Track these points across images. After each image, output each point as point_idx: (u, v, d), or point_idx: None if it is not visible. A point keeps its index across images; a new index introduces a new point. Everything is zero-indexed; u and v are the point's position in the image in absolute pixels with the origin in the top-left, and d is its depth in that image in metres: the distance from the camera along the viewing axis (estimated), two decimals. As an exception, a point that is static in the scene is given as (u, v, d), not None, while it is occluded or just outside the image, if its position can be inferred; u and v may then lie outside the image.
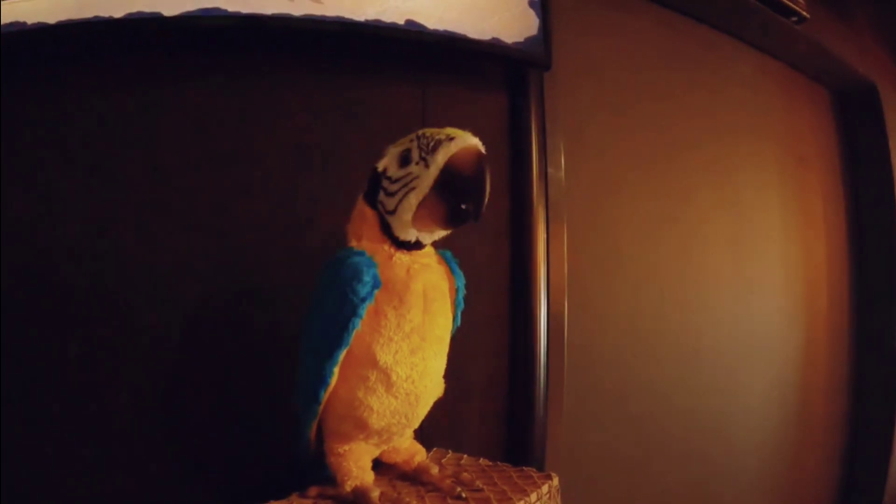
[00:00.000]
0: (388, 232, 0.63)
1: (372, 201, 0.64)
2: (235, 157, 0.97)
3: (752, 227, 1.71)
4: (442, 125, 1.06)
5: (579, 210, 1.24)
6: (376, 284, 0.61)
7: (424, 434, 0.78)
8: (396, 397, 0.64)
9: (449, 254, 0.72)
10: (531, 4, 1.05)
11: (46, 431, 0.88)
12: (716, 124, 1.66)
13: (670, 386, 1.46)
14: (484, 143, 0.65)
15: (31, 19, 0.87)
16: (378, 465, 0.73)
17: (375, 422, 0.64)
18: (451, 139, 0.60)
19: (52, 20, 0.87)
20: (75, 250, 0.91)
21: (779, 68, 1.88)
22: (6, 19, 0.89)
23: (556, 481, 0.76)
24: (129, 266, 0.91)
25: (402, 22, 0.97)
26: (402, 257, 0.64)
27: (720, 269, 1.61)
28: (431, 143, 0.60)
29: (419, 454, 0.76)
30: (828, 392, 1.89)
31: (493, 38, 1.02)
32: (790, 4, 1.65)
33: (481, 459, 0.82)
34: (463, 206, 0.60)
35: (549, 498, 0.73)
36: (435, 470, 0.73)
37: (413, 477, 0.74)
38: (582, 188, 1.27)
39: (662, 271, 1.47)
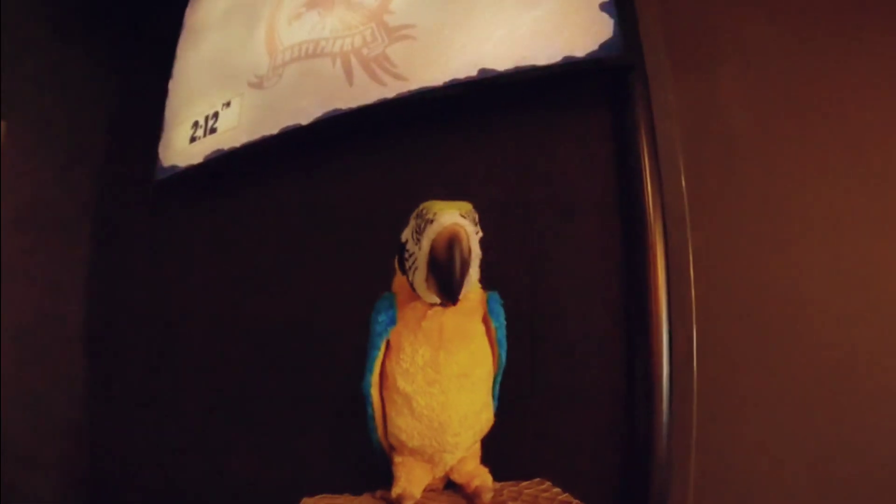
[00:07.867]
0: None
1: (402, 267, 0.69)
2: (356, 224, 1.21)
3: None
4: (546, 164, 1.06)
5: (707, 225, 0.97)
6: (391, 322, 0.69)
7: (525, 465, 0.80)
8: (420, 422, 0.70)
9: (495, 295, 0.74)
10: (602, 7, 0.98)
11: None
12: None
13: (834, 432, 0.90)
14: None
15: (226, 145, 1.31)
16: (450, 485, 0.78)
17: (408, 440, 0.71)
18: (431, 221, 0.62)
19: (238, 143, 1.29)
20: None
21: None
22: (213, 148, 1.33)
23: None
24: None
25: (475, 73, 1.04)
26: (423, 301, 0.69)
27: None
28: (422, 224, 0.63)
29: (478, 478, 0.76)
30: None
31: (564, 57, 0.98)
32: None
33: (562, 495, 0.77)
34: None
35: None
36: (488, 496, 0.73)
37: (469, 499, 0.75)
38: (709, 199, 0.98)
39: (821, 297, 0.94)
